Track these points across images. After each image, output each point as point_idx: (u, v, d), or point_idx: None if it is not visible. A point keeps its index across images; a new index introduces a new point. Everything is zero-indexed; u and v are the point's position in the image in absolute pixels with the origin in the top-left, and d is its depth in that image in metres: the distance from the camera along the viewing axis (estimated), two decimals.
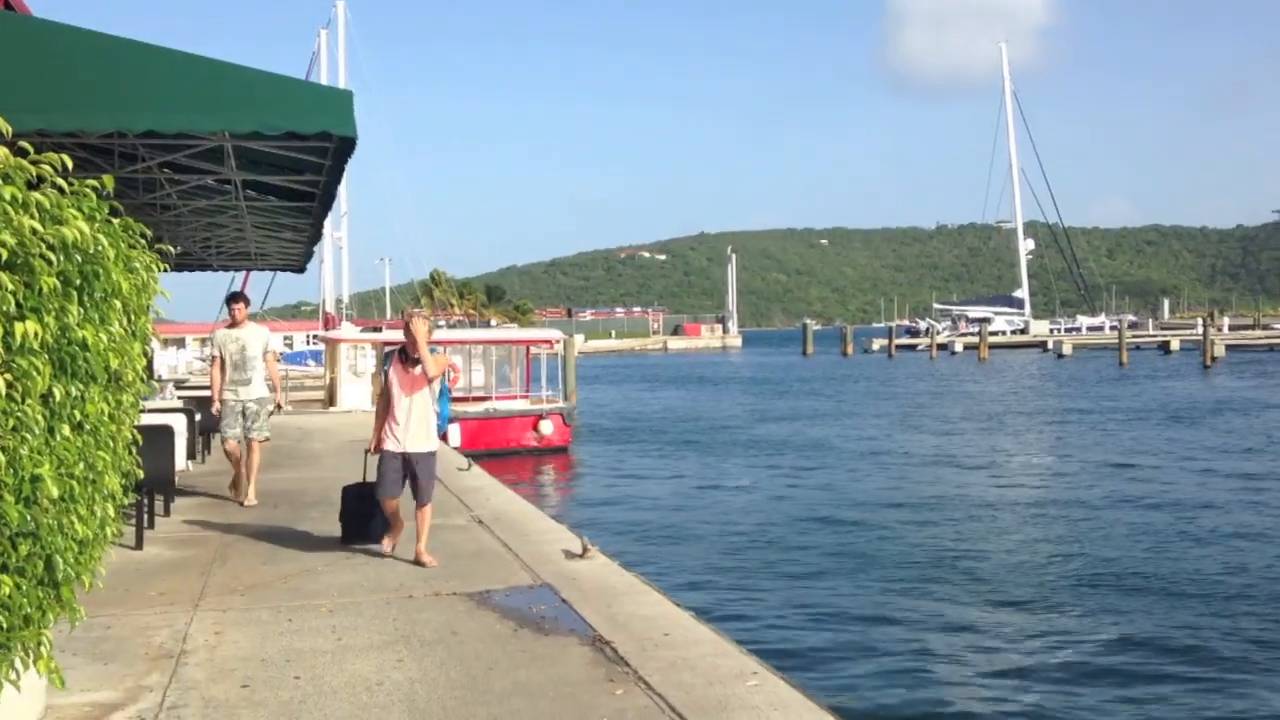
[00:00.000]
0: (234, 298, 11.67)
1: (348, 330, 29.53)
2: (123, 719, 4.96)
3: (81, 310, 3.38)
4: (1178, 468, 23.78)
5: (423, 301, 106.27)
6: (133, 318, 4.30)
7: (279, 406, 12.28)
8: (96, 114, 7.52)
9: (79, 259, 3.29)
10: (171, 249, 5.22)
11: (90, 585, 4.01)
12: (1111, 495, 20.16)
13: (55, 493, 3.10)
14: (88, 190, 3.49)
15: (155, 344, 8.77)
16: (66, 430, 3.34)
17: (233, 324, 11.45)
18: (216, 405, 11.23)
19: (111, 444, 4.18)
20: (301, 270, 25.35)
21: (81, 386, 3.44)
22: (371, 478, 8.52)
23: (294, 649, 6.05)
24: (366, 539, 8.72)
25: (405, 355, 8.15)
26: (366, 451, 8.59)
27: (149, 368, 8.54)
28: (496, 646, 6.06)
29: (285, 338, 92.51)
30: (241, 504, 11.11)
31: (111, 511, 4.33)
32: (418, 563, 8.11)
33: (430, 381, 8.15)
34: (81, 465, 3.60)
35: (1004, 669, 10.01)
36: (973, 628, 11.40)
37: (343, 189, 46.00)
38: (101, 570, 4.41)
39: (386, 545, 8.48)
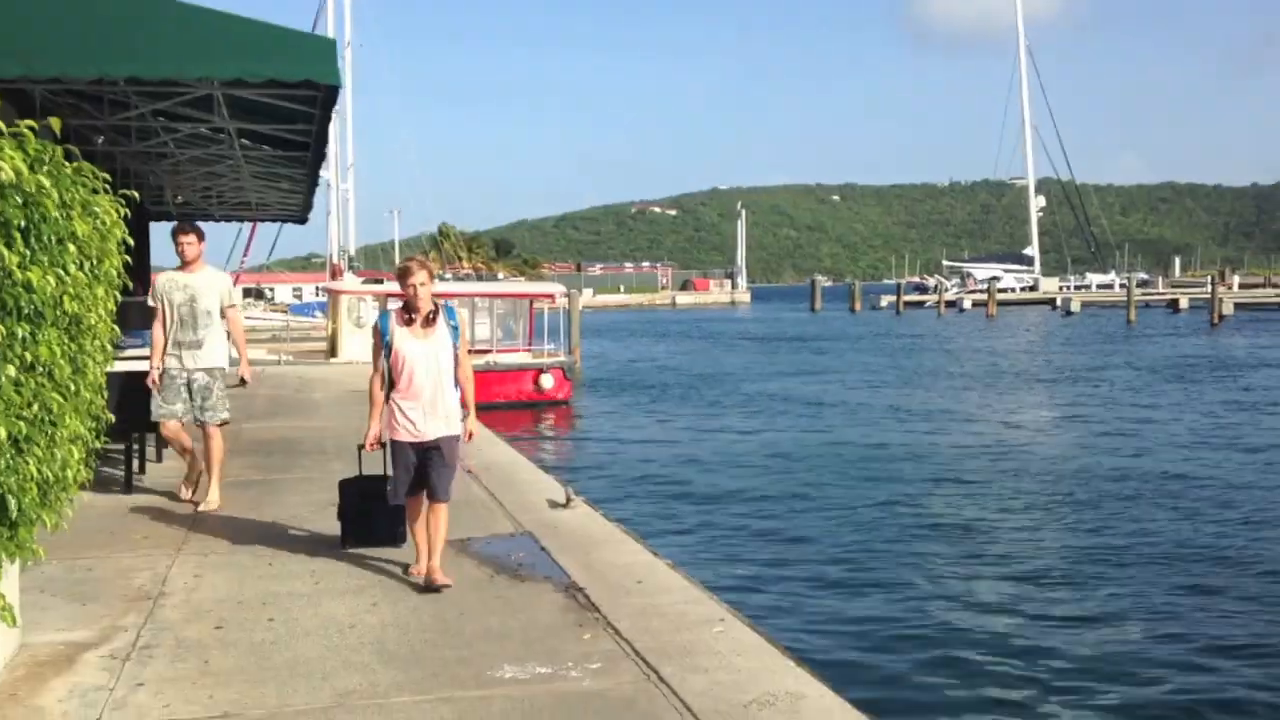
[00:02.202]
0: (181, 229, 8.51)
1: (350, 281, 29.54)
2: (95, 658, 5.05)
3: (28, 252, 3.41)
4: (1164, 425, 23.77)
5: (431, 255, 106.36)
6: (94, 262, 4.33)
7: (243, 380, 9.13)
8: (80, 60, 7.52)
9: (19, 200, 3.30)
10: (136, 194, 5.23)
11: (54, 526, 4.07)
12: (1090, 449, 20.19)
13: (2, 434, 3.13)
14: (26, 131, 3.49)
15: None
16: (11, 371, 3.37)
17: (182, 265, 8.44)
18: (153, 374, 8.32)
19: (73, 387, 4.22)
20: (303, 221, 25.38)
21: (28, 328, 3.47)
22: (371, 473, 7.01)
23: (271, 592, 6.14)
24: (370, 542, 7.01)
25: (411, 312, 6.14)
26: (360, 448, 6.61)
27: (144, 315, 8.57)
28: (471, 593, 6.13)
29: (295, 289, 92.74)
30: (196, 508, 8.39)
31: (77, 454, 4.37)
32: (430, 586, 6.11)
33: (455, 347, 6.23)
34: (35, 407, 3.64)
35: (973, 624, 10.07)
36: (953, 583, 11.46)
37: (349, 140, 45.96)
38: (68, 513, 4.47)
39: (415, 569, 6.41)
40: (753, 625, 5.67)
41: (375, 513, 6.92)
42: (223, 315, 8.50)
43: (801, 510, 15.12)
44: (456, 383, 6.30)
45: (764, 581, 11.39)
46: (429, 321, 6.15)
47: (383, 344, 6.18)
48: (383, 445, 6.34)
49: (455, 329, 6.24)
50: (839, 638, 9.52)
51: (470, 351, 28.18)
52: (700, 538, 13.57)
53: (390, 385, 6.21)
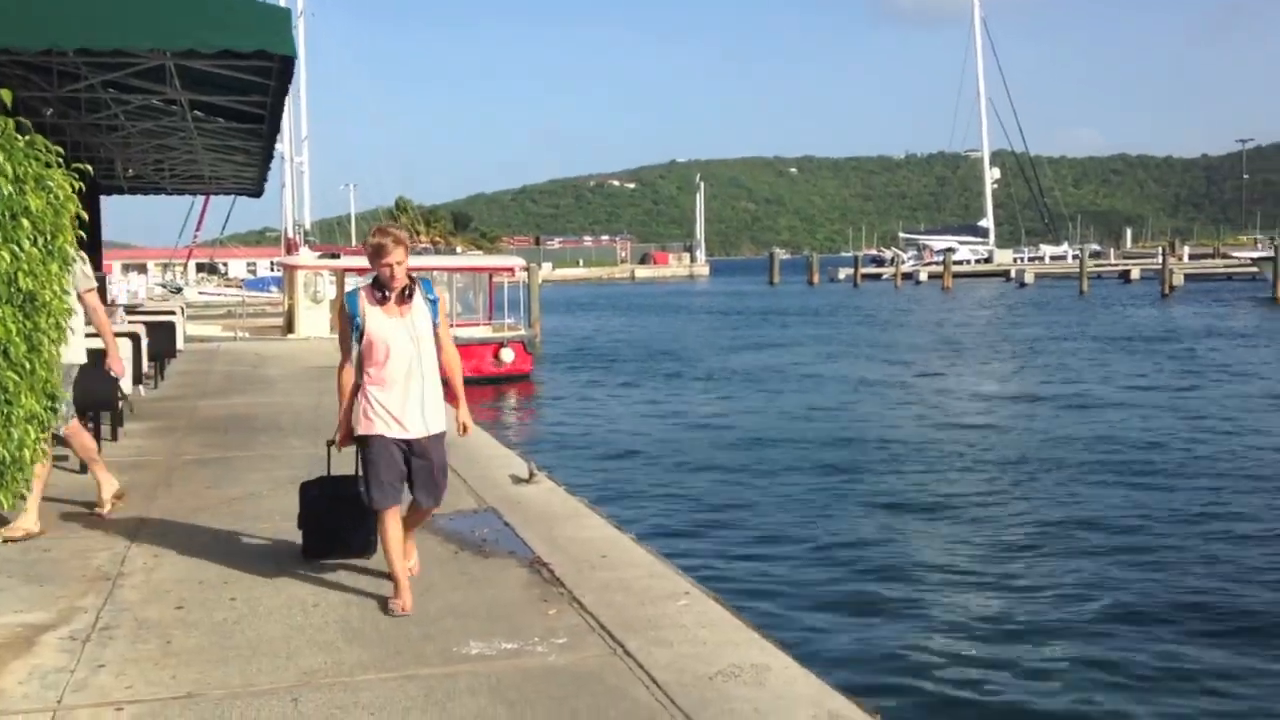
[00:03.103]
0: None
1: (306, 256, 29.24)
2: (54, 639, 4.98)
3: None
4: (1123, 396, 24.13)
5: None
6: (49, 238, 4.24)
7: (111, 374, 7.76)
8: (28, 31, 7.33)
9: None
10: (89, 168, 5.12)
11: (10, 505, 4.00)
12: (1052, 421, 20.47)
13: None
14: None
15: (115, 269, 8.54)
16: None
17: None
18: None
19: (28, 365, 4.15)
20: (258, 194, 25.09)
21: None
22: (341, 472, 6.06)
23: (232, 571, 6.08)
24: (337, 553, 6.15)
25: (383, 290, 5.35)
26: (330, 444, 5.85)
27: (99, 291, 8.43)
28: (436, 569, 6.11)
29: (249, 264, 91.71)
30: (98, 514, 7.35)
31: (33, 434, 4.30)
32: (385, 607, 5.36)
33: (435, 325, 5.46)
34: None
35: (935, 595, 10.21)
36: (915, 554, 11.61)
37: (303, 112, 45.37)
38: (24, 493, 4.39)
39: (397, 603, 5.34)
40: (717, 599, 5.70)
41: (343, 517, 6.03)
42: (80, 302, 7.05)
43: (764, 484, 15.21)
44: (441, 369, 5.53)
45: (727, 555, 11.46)
46: (404, 298, 5.35)
47: (352, 326, 5.35)
48: (355, 441, 5.52)
49: (434, 304, 5.47)
50: (802, 610, 9.61)
51: None
52: (663, 511, 13.62)
53: (361, 373, 5.41)
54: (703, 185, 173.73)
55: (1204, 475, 15.19)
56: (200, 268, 68.07)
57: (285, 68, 9.33)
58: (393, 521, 5.44)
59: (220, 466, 9.25)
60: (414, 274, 5.50)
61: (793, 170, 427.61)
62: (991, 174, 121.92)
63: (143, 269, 77.08)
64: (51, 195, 4.27)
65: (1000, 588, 10.31)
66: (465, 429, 5.69)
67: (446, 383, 5.59)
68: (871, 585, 10.36)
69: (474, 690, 4.40)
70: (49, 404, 4.83)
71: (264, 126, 13.76)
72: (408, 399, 5.35)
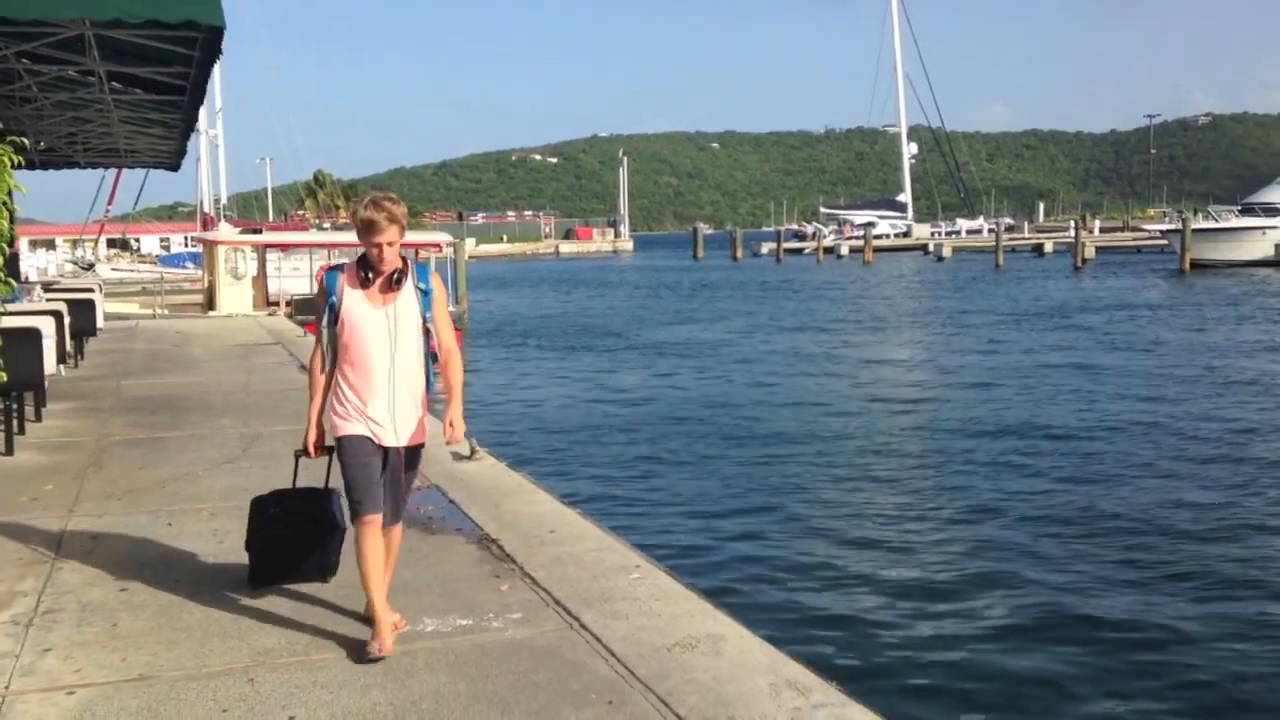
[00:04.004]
0: None
1: (226, 231, 28.62)
2: None
3: None
4: (1043, 367, 24.74)
5: (306, 204, 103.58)
6: None
7: None
8: None
9: None
10: (27, 143, 4.96)
11: None
12: (976, 392, 20.92)
13: None
14: None
15: (23, 245, 8.25)
16: None
17: None
18: None
19: None
20: (175, 168, 24.39)
21: None
22: (310, 483, 5.28)
23: (174, 552, 5.98)
24: (288, 576, 5.33)
25: (368, 271, 4.61)
26: (297, 454, 4.96)
27: (12, 268, 8.19)
28: None
29: (162, 239, 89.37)
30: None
31: None
32: (370, 623, 4.66)
33: (426, 319, 4.71)
34: None
35: (874, 565, 10.42)
36: (847, 525, 11.80)
37: (216, 84, 44.29)
38: None
39: (375, 645, 4.50)
40: (668, 571, 5.75)
41: (299, 539, 5.27)
42: None
43: (702, 457, 15.34)
44: (428, 366, 4.79)
45: (669, 529, 11.55)
46: (392, 284, 4.60)
47: (327, 305, 4.66)
48: (328, 450, 4.77)
49: (427, 295, 4.69)
50: (748, 580, 9.74)
51: None
52: (603, 486, 13.66)
53: (335, 365, 4.69)
54: (625, 160, 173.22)
55: (1144, 448, 15.58)
56: (111, 244, 66.28)
57: (213, 38, 9.08)
58: (374, 537, 4.61)
59: (150, 447, 9.06)
60: (408, 256, 4.73)
61: (715, 145, 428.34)
62: (909, 149, 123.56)
63: (51, 245, 74.76)
64: None
65: (942, 559, 10.53)
66: (452, 427, 4.77)
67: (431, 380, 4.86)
68: (814, 554, 10.54)
69: (432, 667, 4.39)
70: None
71: (185, 99, 13.39)
72: (381, 400, 4.60)
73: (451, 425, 4.78)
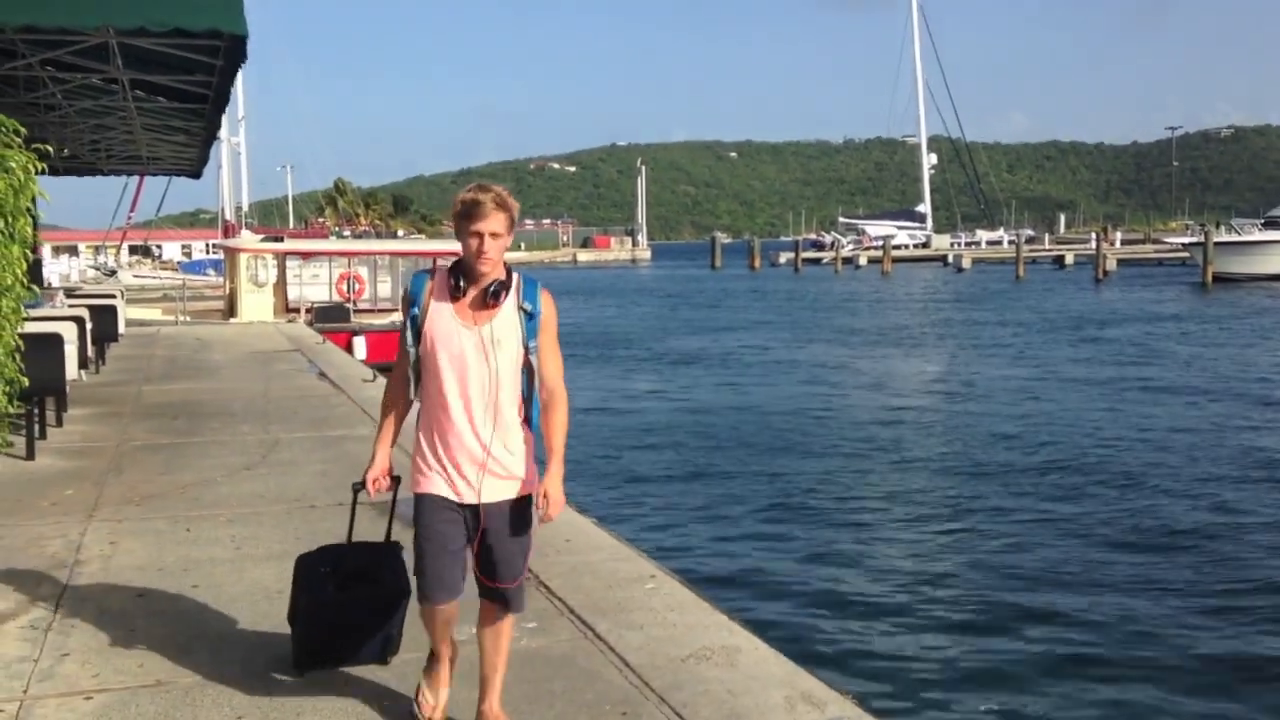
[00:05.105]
0: None
1: (247, 238, 28.79)
2: (14, 629, 4.89)
3: None
4: (1047, 377, 24.61)
5: (327, 211, 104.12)
6: (9, 220, 4.14)
7: None
8: None
9: None
10: (51, 149, 5.01)
11: None
12: (1005, 408, 20.82)
13: None
14: None
15: (46, 251, 8.30)
16: None
17: None
18: None
19: None
20: (197, 175, 24.62)
21: None
22: (372, 536, 4.46)
23: (192, 558, 6.01)
24: (343, 659, 4.35)
25: (461, 278, 3.65)
26: (356, 490, 3.98)
27: (36, 273, 8.26)
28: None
29: (184, 246, 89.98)
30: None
31: None
32: None
33: (529, 349, 3.68)
34: None
35: (894, 582, 10.36)
36: (862, 537, 11.75)
37: (239, 92, 44.58)
38: None
39: (426, 706, 3.95)
40: (683, 581, 5.75)
41: (356, 610, 4.28)
42: None
43: (718, 467, 15.30)
44: (526, 405, 3.74)
45: (685, 539, 11.53)
46: (489, 299, 3.63)
47: (409, 317, 3.72)
48: (394, 481, 3.90)
49: (533, 319, 3.69)
50: (763, 593, 9.70)
51: (374, 310, 26.02)
52: (619, 495, 13.66)
53: (419, 394, 3.77)
54: (644, 169, 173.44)
55: (1162, 462, 15.40)
56: (133, 250, 66.73)
57: (236, 47, 9.15)
58: (444, 624, 3.85)
59: (170, 452, 9.11)
60: (511, 266, 3.75)
61: (733, 154, 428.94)
62: (929, 160, 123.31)
63: (74, 251, 75.32)
64: (13, 176, 4.17)
65: (957, 572, 10.47)
66: (547, 500, 3.68)
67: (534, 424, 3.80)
68: (831, 568, 10.49)
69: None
70: (6, 388, 4.72)
71: (207, 107, 13.52)
72: (467, 445, 3.65)
73: (547, 498, 3.69)
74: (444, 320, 3.66)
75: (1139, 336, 34.38)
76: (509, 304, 3.67)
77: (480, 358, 3.62)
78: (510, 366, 3.66)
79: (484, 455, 3.65)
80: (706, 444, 17.07)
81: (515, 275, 3.73)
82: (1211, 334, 34.91)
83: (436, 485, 3.68)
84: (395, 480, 3.90)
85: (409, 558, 3.95)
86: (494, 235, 3.56)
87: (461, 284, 3.64)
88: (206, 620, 5.02)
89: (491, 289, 3.64)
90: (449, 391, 3.65)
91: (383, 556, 4.29)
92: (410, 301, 3.73)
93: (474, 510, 3.69)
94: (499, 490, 3.69)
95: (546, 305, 3.75)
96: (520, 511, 3.75)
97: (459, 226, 3.62)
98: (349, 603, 4.22)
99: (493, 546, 3.72)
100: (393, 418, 3.87)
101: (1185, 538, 11.43)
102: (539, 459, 3.80)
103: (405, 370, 3.77)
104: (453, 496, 3.67)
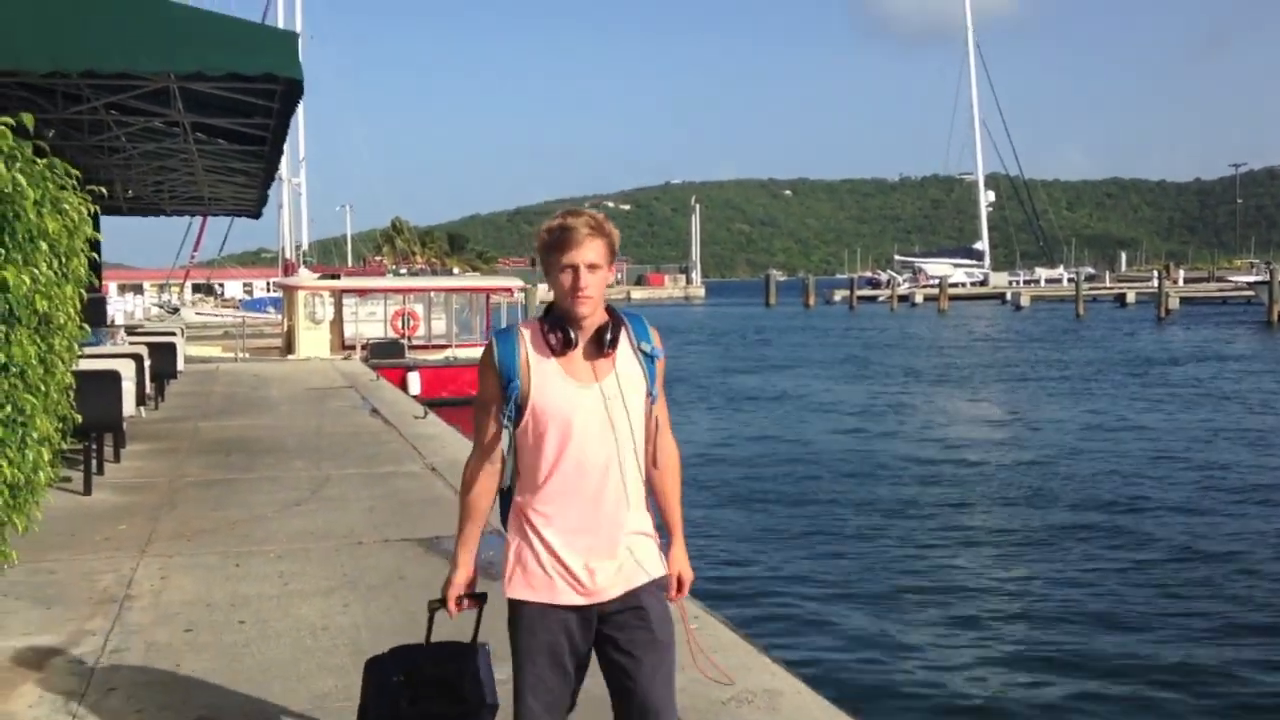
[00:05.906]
0: None
1: (305, 277, 29.26)
2: (63, 663, 4.95)
3: (2, 251, 3.33)
4: (1134, 422, 24.14)
5: (384, 250, 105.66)
6: (63, 260, 4.25)
7: None
8: (34, 53, 7.35)
9: None
10: (104, 191, 5.14)
11: (24, 529, 3.99)
12: (1069, 451, 20.47)
13: None
14: (2, 128, 3.42)
15: (112, 289, 8.54)
16: None
17: None
18: None
19: (43, 388, 4.14)
20: (257, 215, 25.07)
21: (2, 328, 3.40)
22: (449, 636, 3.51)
23: (240, 594, 6.06)
24: None
25: (564, 331, 2.91)
26: (433, 610, 3.23)
27: (98, 312, 8.45)
28: (437, 592, 6.08)
29: (245, 284, 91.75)
30: None
31: (46, 456, 4.29)
32: None
33: (653, 398, 3.03)
34: (8, 408, 3.57)
35: (941, 625, 10.17)
36: (909, 581, 11.57)
37: (300, 134, 45.51)
38: (38, 515, 4.38)
39: None
40: (726, 622, 5.69)
41: None
42: None
43: (766, 507, 15.18)
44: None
45: (729, 577, 11.42)
46: (603, 345, 2.95)
47: (504, 389, 2.93)
48: (476, 599, 3.24)
49: (653, 360, 3.06)
50: (807, 635, 9.57)
51: (429, 346, 26.28)
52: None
53: (514, 474, 3.01)
54: (698, 207, 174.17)
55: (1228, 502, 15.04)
56: (196, 288, 68.11)
57: (291, 90, 9.33)
58: None
59: (223, 488, 9.23)
60: (614, 308, 3.08)
61: (787, 192, 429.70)
62: (986, 197, 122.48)
63: (139, 289, 77.08)
64: (67, 218, 4.28)
65: (1011, 620, 10.24)
66: (680, 587, 3.18)
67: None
68: (878, 611, 10.31)
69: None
70: (59, 425, 4.82)
71: (266, 149, 13.78)
72: (590, 532, 2.93)
73: (680, 580, 3.16)
74: (553, 384, 2.91)
75: (1207, 377, 33.59)
76: (625, 349, 2.99)
77: (604, 420, 2.92)
78: (640, 424, 2.99)
79: (616, 540, 2.95)
80: (755, 482, 16.94)
81: (616, 313, 3.05)
82: None
83: (541, 592, 2.97)
84: (481, 598, 3.22)
85: (497, 663, 3.37)
86: (591, 267, 2.89)
87: (571, 336, 2.91)
88: (250, 656, 5.06)
89: (606, 334, 2.94)
90: (574, 470, 2.90)
91: (466, 661, 3.45)
92: (503, 373, 2.92)
93: (595, 611, 2.96)
94: (633, 577, 2.97)
95: (660, 345, 3.11)
96: (658, 597, 3.04)
97: (547, 262, 2.93)
98: (423, 716, 3.39)
99: (640, 652, 2.97)
100: (477, 514, 3.11)
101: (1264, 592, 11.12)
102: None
103: (491, 451, 2.97)
104: (573, 600, 2.94)
